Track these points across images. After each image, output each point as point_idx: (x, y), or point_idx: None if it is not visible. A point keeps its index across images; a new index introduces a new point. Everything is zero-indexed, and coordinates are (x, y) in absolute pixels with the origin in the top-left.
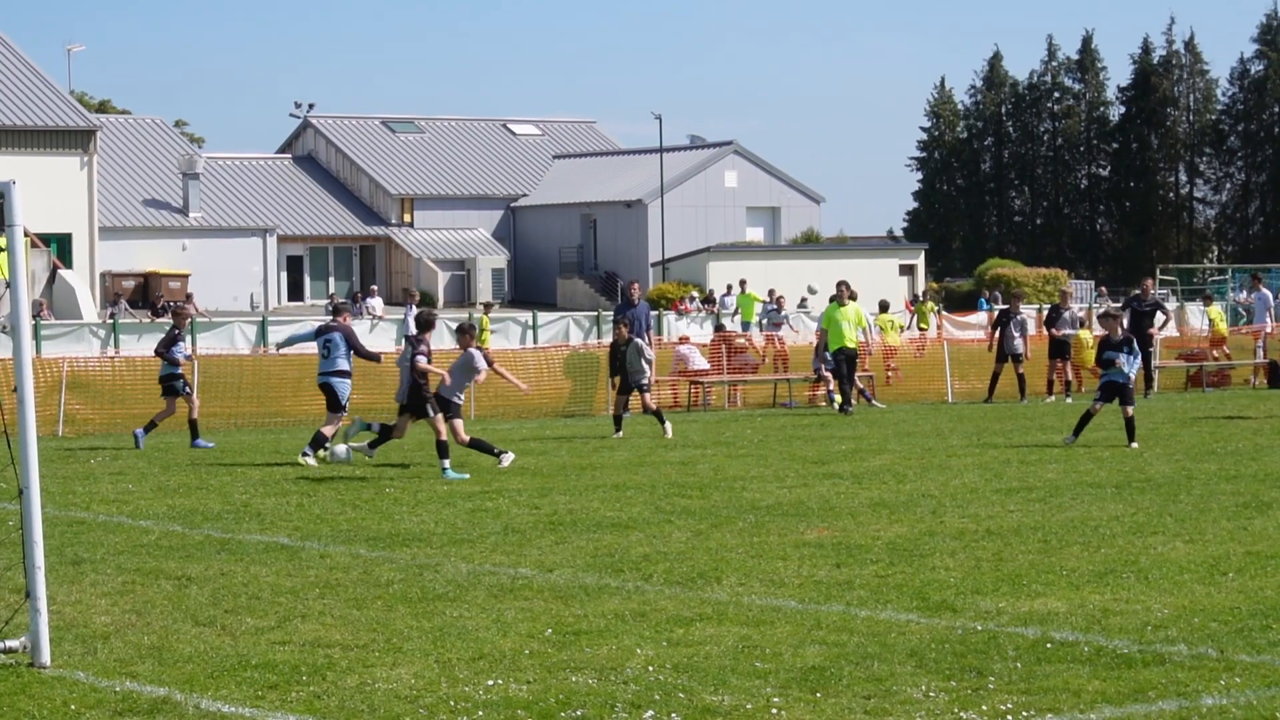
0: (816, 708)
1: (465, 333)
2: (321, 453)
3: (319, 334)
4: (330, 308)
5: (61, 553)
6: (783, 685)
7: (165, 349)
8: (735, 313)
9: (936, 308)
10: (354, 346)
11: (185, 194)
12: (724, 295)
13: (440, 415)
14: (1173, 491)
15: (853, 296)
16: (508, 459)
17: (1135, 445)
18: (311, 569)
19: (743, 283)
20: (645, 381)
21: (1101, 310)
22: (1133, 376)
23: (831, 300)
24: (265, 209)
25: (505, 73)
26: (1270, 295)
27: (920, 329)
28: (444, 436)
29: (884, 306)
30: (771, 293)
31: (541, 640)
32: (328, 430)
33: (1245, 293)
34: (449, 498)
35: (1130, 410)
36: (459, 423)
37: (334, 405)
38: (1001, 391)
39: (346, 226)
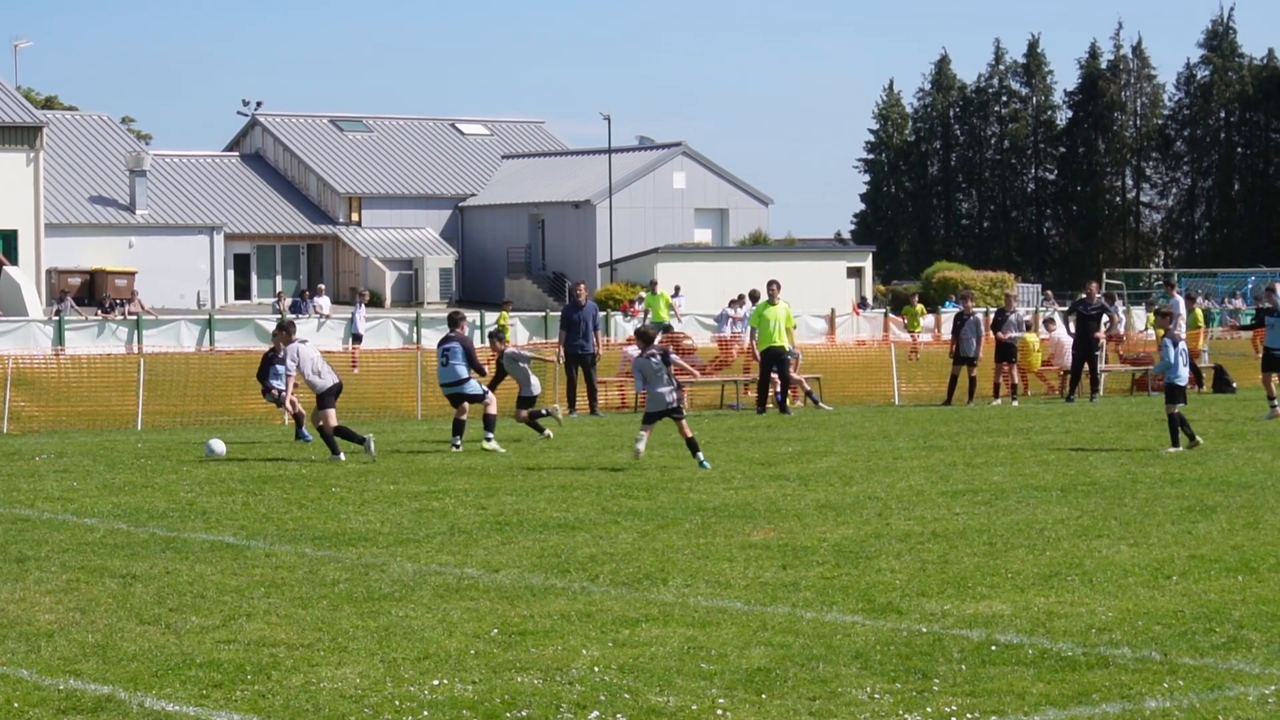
0: (762, 709)
1: (285, 329)
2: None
3: (440, 344)
4: (450, 318)
5: (5, 550)
6: (728, 686)
7: (264, 375)
8: (646, 314)
9: (924, 310)
10: (470, 356)
11: (132, 191)
12: (672, 296)
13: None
14: (1118, 495)
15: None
16: (373, 447)
17: (1176, 449)
18: (257, 568)
19: (652, 284)
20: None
21: (1156, 308)
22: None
23: (758, 298)
24: (212, 207)
25: (454, 72)
26: (1181, 301)
27: (910, 331)
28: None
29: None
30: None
31: (487, 640)
32: (491, 411)
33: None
34: (395, 498)
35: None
36: (331, 411)
37: (474, 400)
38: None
39: (294, 225)
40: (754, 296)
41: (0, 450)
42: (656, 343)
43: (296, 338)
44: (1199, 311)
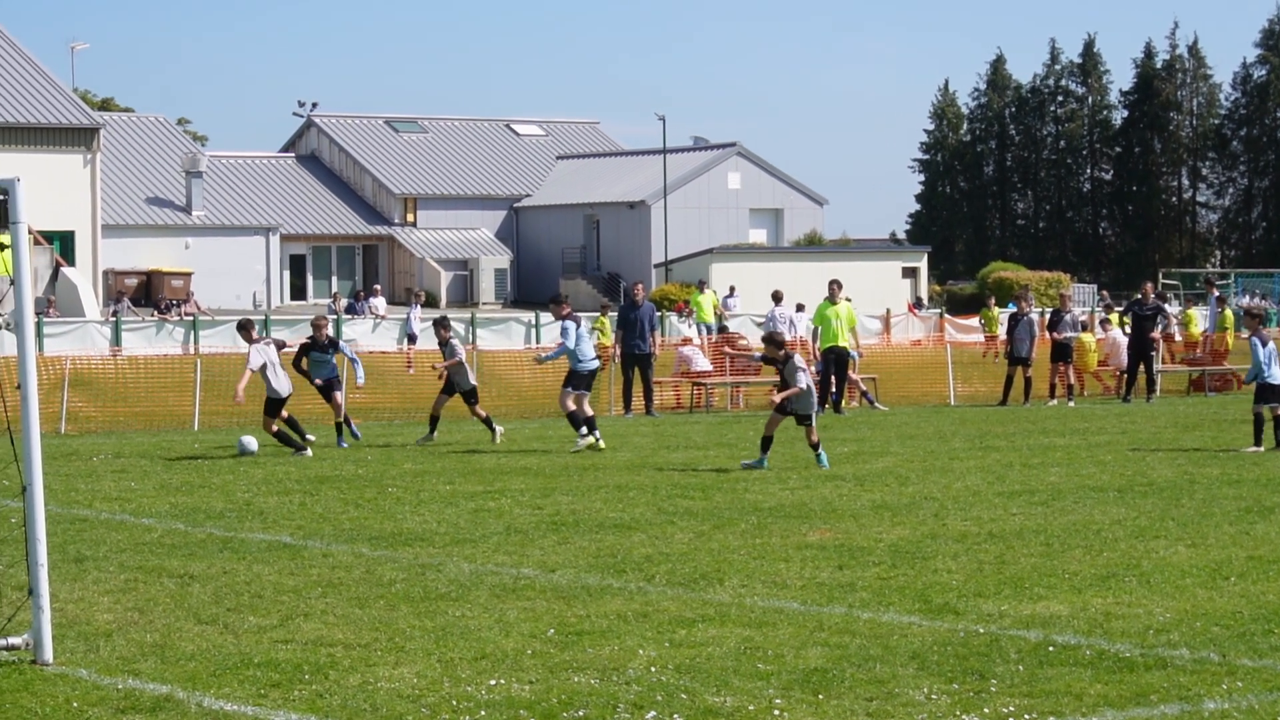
0: (819, 709)
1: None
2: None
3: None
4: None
5: (64, 550)
6: (785, 687)
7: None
8: (692, 313)
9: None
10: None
11: (188, 192)
12: (726, 297)
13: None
14: (1175, 495)
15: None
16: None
17: (1257, 449)
18: (314, 568)
19: (701, 283)
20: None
21: (1246, 308)
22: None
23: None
24: (268, 208)
25: (509, 73)
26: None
27: (988, 334)
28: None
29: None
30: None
31: (544, 640)
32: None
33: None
34: (451, 498)
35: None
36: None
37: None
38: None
39: (349, 226)
40: (776, 297)
41: (58, 450)
42: (697, 342)
43: (258, 337)
44: (1229, 313)
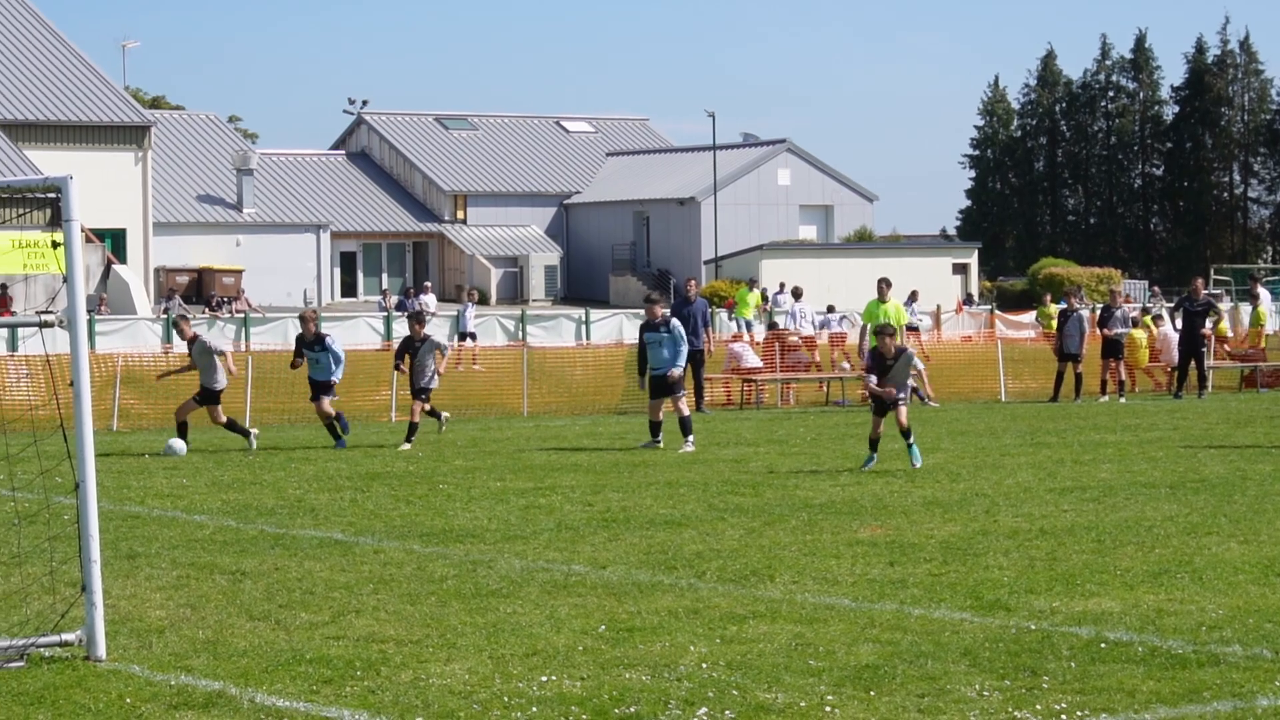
0: (870, 706)
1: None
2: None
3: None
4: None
5: (117, 547)
6: (836, 683)
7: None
8: (733, 309)
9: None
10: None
11: (239, 190)
12: (776, 294)
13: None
14: (1227, 492)
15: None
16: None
17: None
18: (365, 564)
19: (751, 281)
20: (430, 385)
21: None
22: None
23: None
24: (319, 205)
25: (559, 70)
26: (1266, 296)
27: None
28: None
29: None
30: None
31: (595, 637)
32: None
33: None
34: (502, 494)
35: None
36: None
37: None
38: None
39: (400, 223)
40: (796, 293)
41: (110, 447)
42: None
43: (193, 332)
44: (1261, 310)
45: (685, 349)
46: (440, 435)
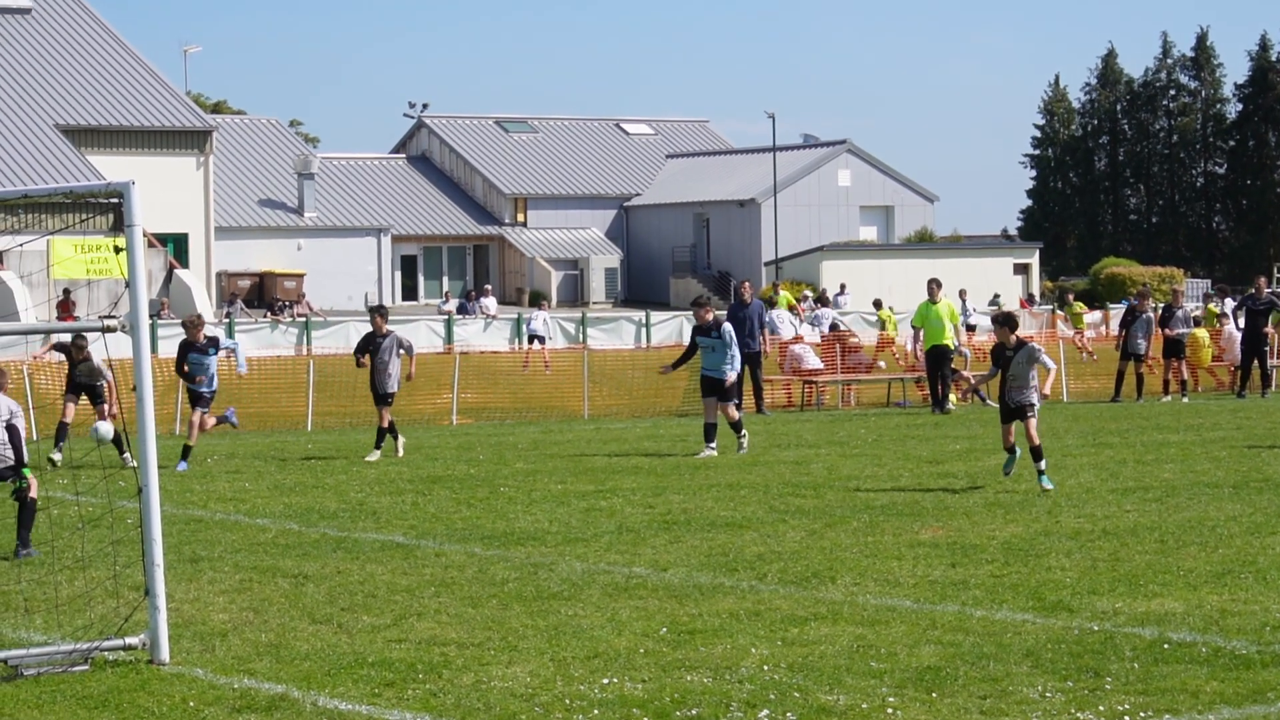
0: (932, 708)
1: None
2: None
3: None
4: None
5: (179, 551)
6: (898, 685)
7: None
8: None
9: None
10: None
11: (300, 194)
12: (837, 295)
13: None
14: None
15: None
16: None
17: None
18: (427, 567)
19: (774, 285)
20: (391, 390)
21: None
22: None
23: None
24: (379, 209)
25: (618, 72)
26: None
27: (1077, 330)
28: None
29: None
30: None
31: (656, 639)
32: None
33: None
34: (563, 497)
35: None
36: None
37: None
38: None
39: (460, 226)
40: (822, 299)
41: (173, 451)
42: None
43: (88, 352)
44: None
45: (737, 354)
46: (396, 458)
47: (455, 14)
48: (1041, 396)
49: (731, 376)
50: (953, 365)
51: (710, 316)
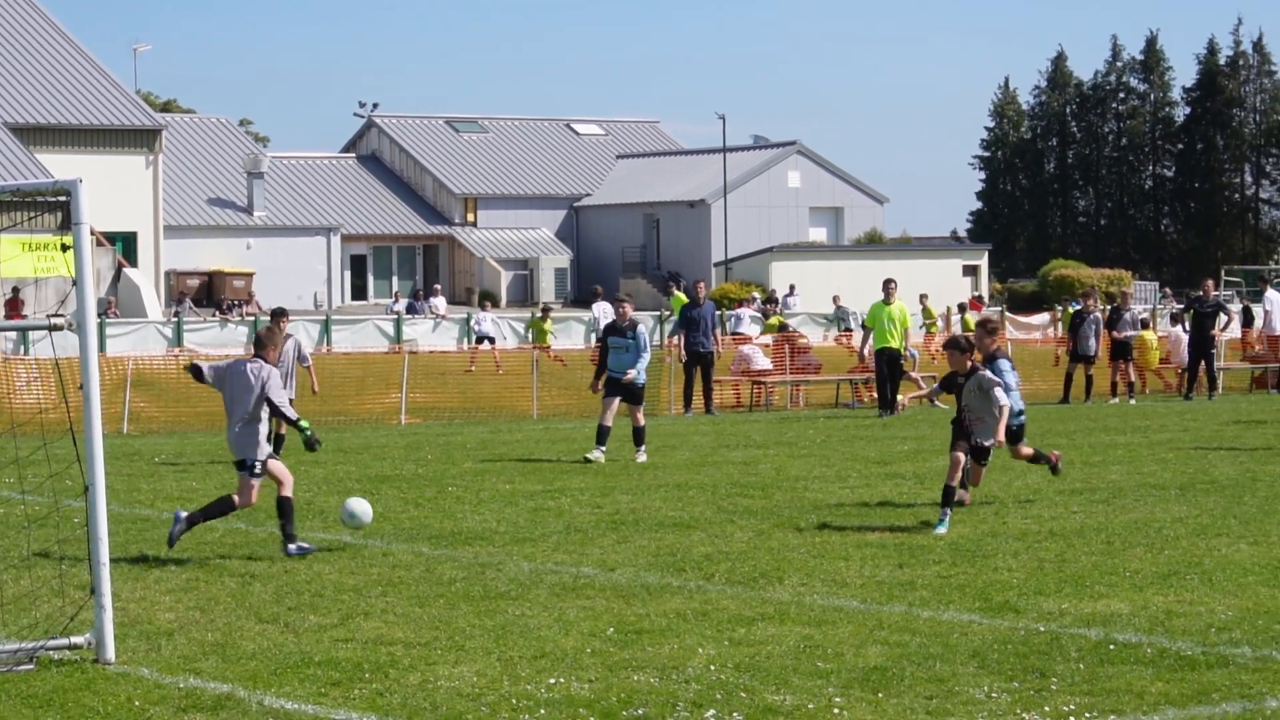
0: (878, 708)
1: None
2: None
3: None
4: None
5: (126, 549)
6: (844, 685)
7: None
8: (670, 315)
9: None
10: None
11: (250, 193)
12: (786, 296)
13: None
14: (1237, 493)
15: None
16: None
17: None
18: (374, 567)
19: (676, 283)
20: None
21: None
22: None
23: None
24: (329, 208)
25: (569, 73)
26: (1276, 297)
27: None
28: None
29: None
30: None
31: (603, 639)
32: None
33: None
34: (511, 497)
35: None
36: None
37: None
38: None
39: (410, 226)
40: (772, 299)
41: (120, 450)
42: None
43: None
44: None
45: (648, 359)
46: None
47: (405, 13)
48: (933, 398)
49: (632, 374)
50: (903, 368)
51: (628, 316)
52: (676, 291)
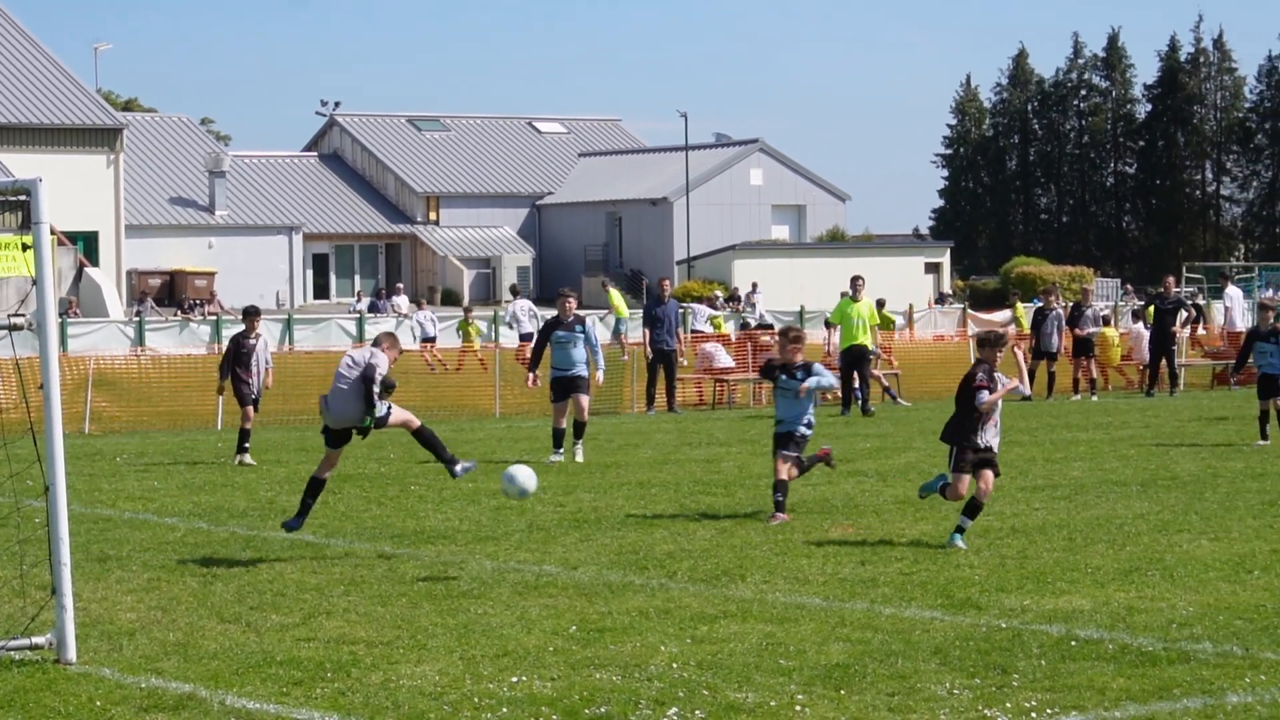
0: (840, 705)
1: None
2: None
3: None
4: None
5: (87, 550)
6: (807, 682)
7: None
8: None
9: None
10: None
11: (211, 192)
12: (749, 294)
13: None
14: (1198, 489)
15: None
16: None
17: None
18: (336, 566)
19: (604, 282)
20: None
21: (1260, 300)
22: None
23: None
24: (291, 207)
25: (531, 71)
26: (1239, 294)
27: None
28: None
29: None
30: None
31: (566, 637)
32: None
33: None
34: (473, 495)
35: None
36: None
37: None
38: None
39: (372, 224)
40: (734, 298)
41: (82, 450)
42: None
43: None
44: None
45: (601, 357)
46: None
47: (367, 12)
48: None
49: (585, 374)
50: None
51: (572, 311)
52: (611, 289)
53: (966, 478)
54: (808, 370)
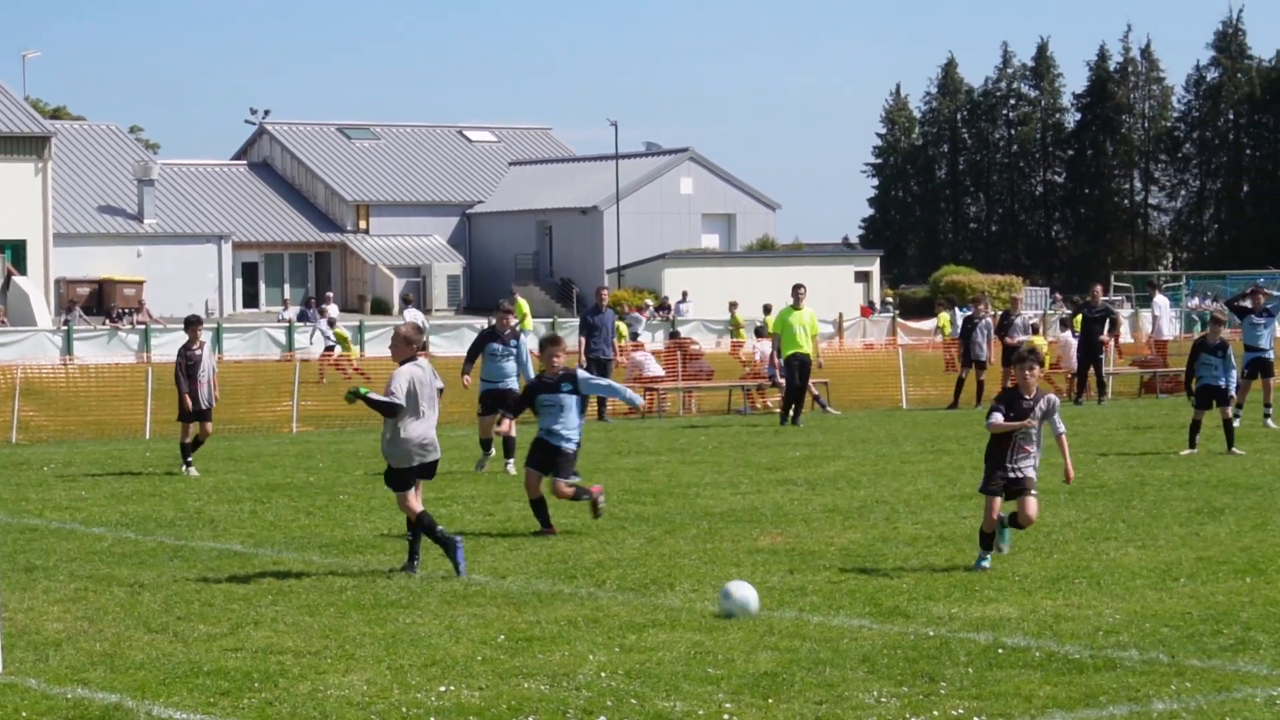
0: (768, 713)
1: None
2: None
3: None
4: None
5: (14, 559)
6: (735, 691)
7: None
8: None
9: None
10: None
11: (140, 200)
12: (679, 302)
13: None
14: (1126, 497)
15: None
16: None
17: (1238, 451)
18: (264, 576)
19: (511, 293)
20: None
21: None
22: (1229, 382)
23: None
24: (220, 215)
25: (461, 79)
26: (1165, 303)
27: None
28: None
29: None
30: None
31: (494, 647)
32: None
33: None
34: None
35: (1229, 412)
36: None
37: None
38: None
39: (302, 233)
40: (664, 306)
41: (9, 460)
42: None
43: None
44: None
45: (531, 369)
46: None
47: (296, 20)
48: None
49: (515, 388)
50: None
51: (509, 325)
52: (520, 299)
53: (996, 500)
54: (571, 380)
